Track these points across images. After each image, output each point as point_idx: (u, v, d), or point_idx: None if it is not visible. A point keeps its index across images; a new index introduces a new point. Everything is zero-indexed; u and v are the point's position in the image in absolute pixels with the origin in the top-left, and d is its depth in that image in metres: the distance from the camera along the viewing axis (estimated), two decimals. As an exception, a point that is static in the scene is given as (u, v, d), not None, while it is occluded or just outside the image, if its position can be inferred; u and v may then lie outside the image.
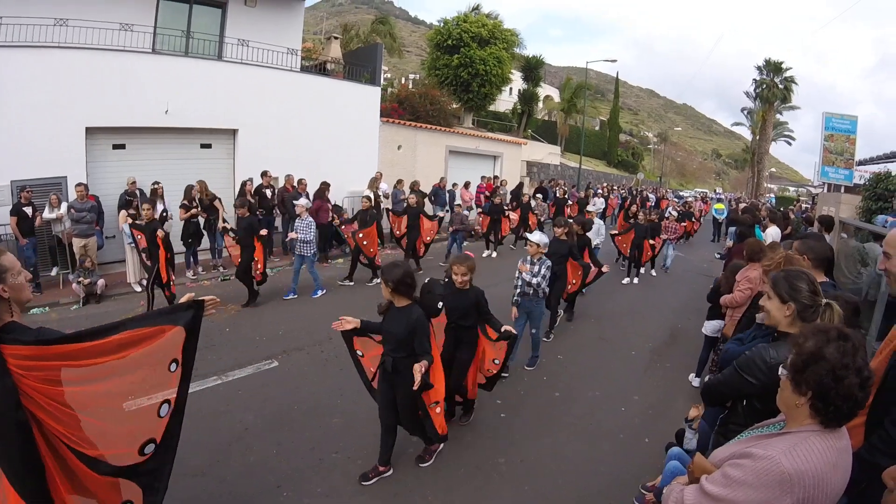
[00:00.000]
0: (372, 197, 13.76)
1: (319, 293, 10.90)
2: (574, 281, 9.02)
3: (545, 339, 8.46)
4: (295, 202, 11.52)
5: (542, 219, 18.57)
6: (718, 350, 6.75)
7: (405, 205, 13.93)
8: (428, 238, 13.42)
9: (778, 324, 2.97)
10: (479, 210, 18.16)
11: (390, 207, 15.19)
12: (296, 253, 10.91)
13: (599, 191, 27.32)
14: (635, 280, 13.61)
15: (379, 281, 11.47)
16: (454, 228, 14.82)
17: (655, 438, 5.72)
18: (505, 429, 5.92)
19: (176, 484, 4.40)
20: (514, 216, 17.03)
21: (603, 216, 22.84)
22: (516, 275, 7.18)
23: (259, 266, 10.18)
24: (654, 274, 14.60)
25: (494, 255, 16.05)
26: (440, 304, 4.84)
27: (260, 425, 5.71)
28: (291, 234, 10.92)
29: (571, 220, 9.64)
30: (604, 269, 9.09)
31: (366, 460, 4.83)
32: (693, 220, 22.55)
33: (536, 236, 7.14)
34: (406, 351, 4.45)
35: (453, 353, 5.48)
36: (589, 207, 12.88)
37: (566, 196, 22.00)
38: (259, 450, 5.23)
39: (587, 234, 10.28)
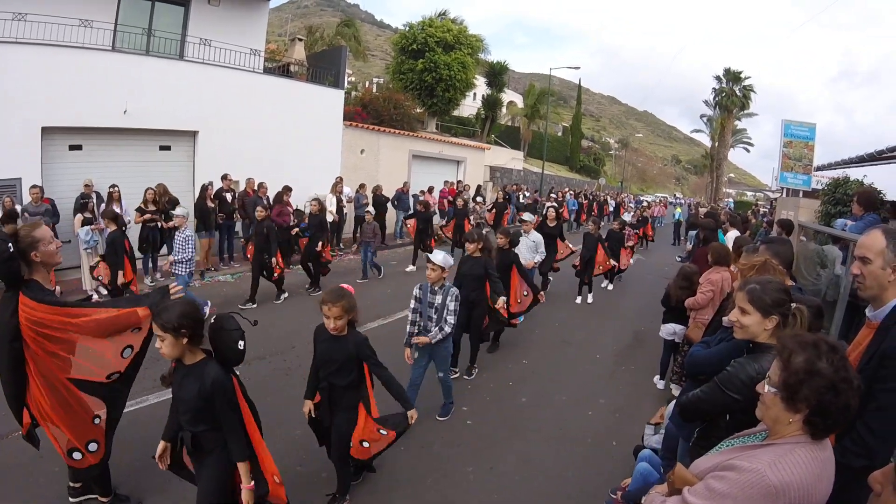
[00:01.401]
0: (324, 201, 13.65)
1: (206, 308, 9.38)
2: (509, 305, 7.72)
3: (467, 377, 7.37)
4: (173, 213, 10.29)
5: (481, 223, 17.52)
6: (682, 353, 6.82)
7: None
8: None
9: (755, 336, 2.93)
10: (445, 219, 18.24)
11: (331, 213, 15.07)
12: (173, 272, 9.37)
13: (554, 196, 26.86)
14: (589, 299, 12.18)
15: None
16: (364, 239, 13.59)
17: (623, 441, 5.76)
18: (472, 436, 5.86)
19: (171, 484, 4.30)
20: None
21: (578, 225, 23.10)
22: (412, 304, 5.90)
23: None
24: (609, 287, 13.62)
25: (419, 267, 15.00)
26: (240, 343, 3.39)
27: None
28: (170, 258, 9.69)
29: (497, 232, 8.51)
30: (540, 297, 8.30)
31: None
32: (649, 224, 22.29)
33: (439, 256, 5.64)
34: (207, 423, 3.35)
35: (330, 420, 4.35)
36: (525, 217, 10.61)
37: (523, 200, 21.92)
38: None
39: (515, 248, 8.80)
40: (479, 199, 20.01)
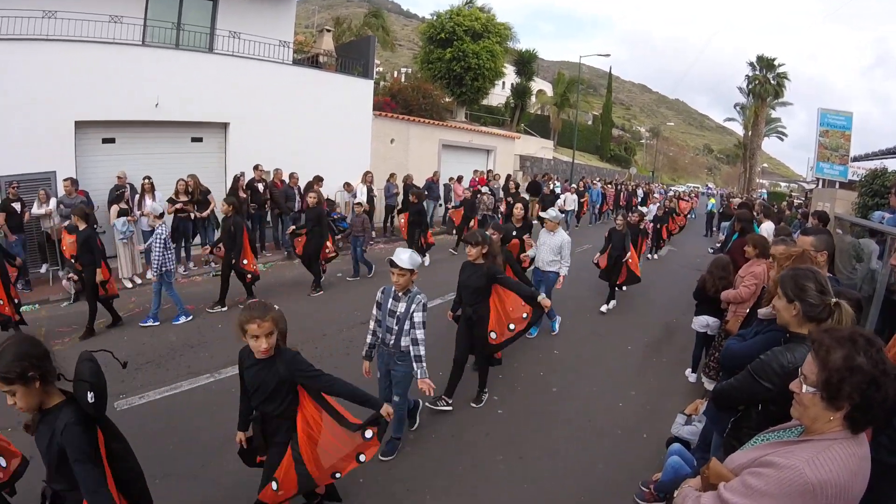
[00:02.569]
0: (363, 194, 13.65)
1: (182, 319, 8.81)
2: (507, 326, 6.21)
3: (474, 405, 6.30)
4: (149, 211, 9.67)
5: (489, 216, 17.02)
6: (717, 346, 6.70)
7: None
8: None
9: (788, 324, 2.93)
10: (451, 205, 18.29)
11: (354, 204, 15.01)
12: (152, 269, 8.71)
13: (574, 185, 25.56)
14: (606, 307, 10.58)
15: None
16: (353, 233, 12.38)
17: (653, 434, 5.71)
18: (503, 425, 5.86)
19: (168, 486, 4.32)
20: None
21: (576, 218, 22.17)
22: (373, 311, 5.04)
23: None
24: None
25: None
26: (89, 395, 2.67)
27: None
28: (139, 248, 9.94)
29: (497, 232, 7.46)
30: (543, 303, 6.02)
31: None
32: (675, 217, 20.52)
33: (404, 257, 4.70)
34: (67, 482, 2.72)
35: (265, 452, 3.88)
36: (545, 214, 8.85)
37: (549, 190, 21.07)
38: None
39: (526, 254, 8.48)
40: (485, 189, 18.87)
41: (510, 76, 42.55)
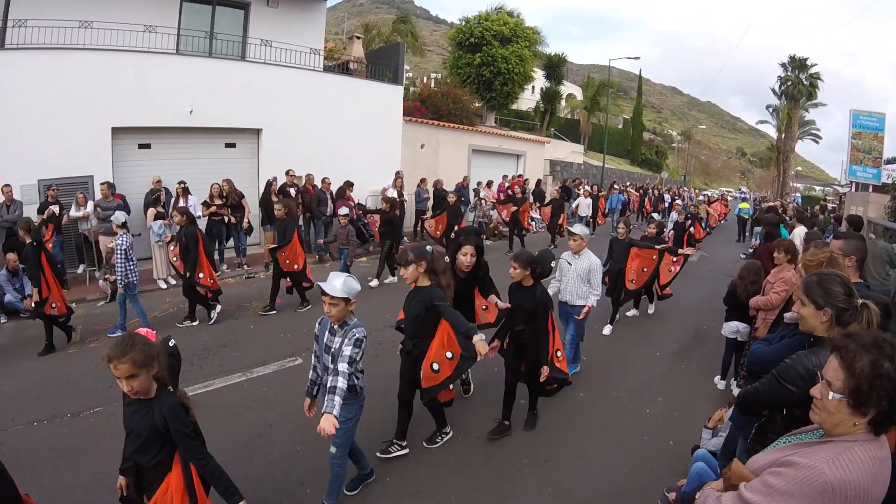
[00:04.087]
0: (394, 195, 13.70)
1: (120, 332, 8.16)
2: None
3: (398, 453, 5.19)
4: (112, 218, 8.98)
5: (485, 223, 16.30)
6: (745, 353, 6.64)
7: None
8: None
9: (814, 330, 2.92)
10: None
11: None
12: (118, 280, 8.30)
13: (587, 188, 23.21)
14: (606, 330, 9.45)
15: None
16: (339, 245, 11.57)
17: (679, 441, 5.68)
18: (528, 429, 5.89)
19: None
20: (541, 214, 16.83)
21: (592, 226, 20.49)
22: (314, 345, 4.36)
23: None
24: (650, 311, 10.78)
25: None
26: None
27: (283, 422, 5.73)
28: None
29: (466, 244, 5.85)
30: (479, 345, 4.40)
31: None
32: (700, 224, 17.50)
33: (337, 283, 3.90)
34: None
35: None
36: (574, 229, 7.22)
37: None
38: (282, 447, 5.26)
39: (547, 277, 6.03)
40: (482, 193, 18.49)
41: (539, 80, 42.40)
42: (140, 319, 8.41)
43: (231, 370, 7.03)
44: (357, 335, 3.94)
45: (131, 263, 8.25)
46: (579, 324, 7.11)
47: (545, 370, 5.26)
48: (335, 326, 4.04)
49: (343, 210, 11.75)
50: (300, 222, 14.10)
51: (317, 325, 4.28)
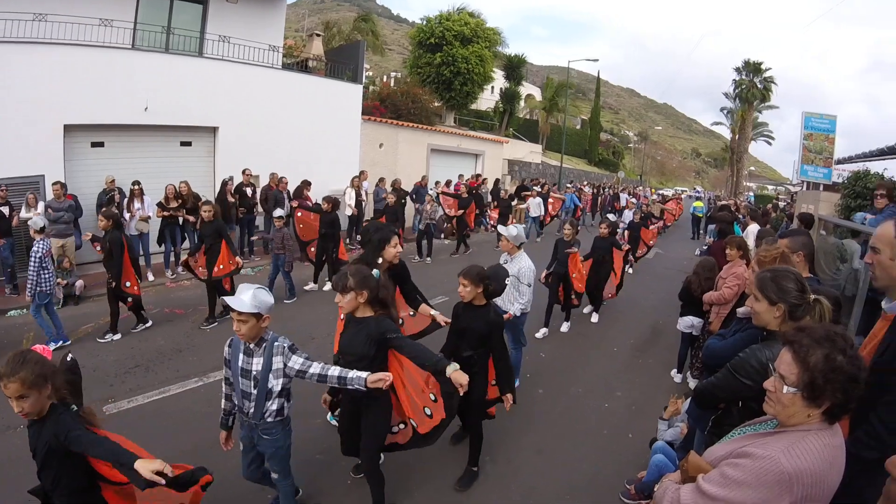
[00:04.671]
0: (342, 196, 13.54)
1: (54, 345, 7.48)
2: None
3: None
4: (30, 223, 8.18)
5: (432, 224, 15.17)
6: (702, 346, 6.82)
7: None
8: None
9: (767, 324, 2.97)
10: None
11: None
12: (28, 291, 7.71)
13: (538, 188, 21.96)
14: (594, 317, 10.13)
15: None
16: (274, 251, 10.56)
17: (639, 434, 5.80)
18: (489, 428, 5.86)
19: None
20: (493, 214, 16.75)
21: (540, 225, 20.65)
22: (224, 371, 3.83)
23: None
24: (593, 320, 10.25)
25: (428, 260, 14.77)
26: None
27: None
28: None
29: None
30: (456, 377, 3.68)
31: (349, 462, 4.77)
32: (653, 222, 17.40)
33: (246, 296, 3.44)
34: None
35: None
36: (504, 230, 6.60)
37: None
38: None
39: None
40: (431, 193, 16.85)
41: (499, 81, 42.68)
42: (45, 332, 7.71)
43: (188, 375, 6.90)
44: (285, 343, 3.60)
45: (46, 272, 7.62)
46: (515, 329, 6.53)
47: (508, 398, 4.64)
48: (250, 346, 3.59)
49: (278, 212, 10.97)
50: (257, 222, 14.01)
51: (226, 348, 3.74)
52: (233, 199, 13.01)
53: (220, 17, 15.25)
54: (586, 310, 10.41)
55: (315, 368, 3.56)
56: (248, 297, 3.41)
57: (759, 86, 50.25)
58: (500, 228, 6.79)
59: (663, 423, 4.87)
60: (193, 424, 5.65)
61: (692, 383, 6.83)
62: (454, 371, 3.66)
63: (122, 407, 5.98)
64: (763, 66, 50.14)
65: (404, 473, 4.93)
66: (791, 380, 1.97)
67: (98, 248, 8.50)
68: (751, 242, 8.06)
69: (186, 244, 12.45)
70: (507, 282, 5.57)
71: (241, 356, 3.60)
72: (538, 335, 8.87)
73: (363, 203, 16.18)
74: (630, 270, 9.82)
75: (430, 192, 16.81)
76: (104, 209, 8.78)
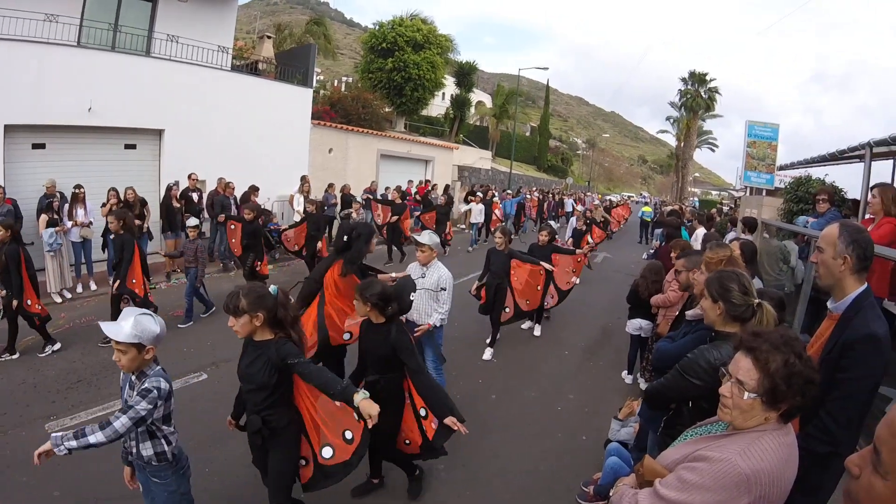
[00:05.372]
0: (303, 201, 13.40)
1: None
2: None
3: None
4: None
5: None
6: (651, 348, 6.96)
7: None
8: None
9: (713, 323, 3.09)
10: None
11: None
12: None
13: (479, 194, 21.55)
14: (536, 330, 9.65)
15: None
16: (186, 263, 9.57)
17: (593, 435, 5.87)
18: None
19: None
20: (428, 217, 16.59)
21: (486, 232, 20.06)
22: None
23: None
24: (536, 334, 9.70)
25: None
26: None
27: (189, 443, 5.47)
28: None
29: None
30: (364, 405, 3.35)
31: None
32: (599, 227, 17.00)
33: (127, 323, 3.04)
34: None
35: None
36: (420, 238, 6.16)
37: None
38: (197, 469, 5.02)
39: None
40: (359, 199, 16.32)
41: (450, 87, 42.79)
42: None
43: None
44: (149, 384, 3.06)
45: None
46: (434, 346, 6.10)
47: (453, 422, 4.11)
48: (132, 378, 3.16)
49: (192, 221, 9.97)
50: (204, 228, 13.73)
51: (121, 374, 3.31)
52: (178, 205, 12.76)
53: (170, 15, 14.90)
54: (525, 325, 9.84)
55: (116, 424, 2.89)
56: (128, 325, 3.02)
57: (703, 96, 51.87)
58: (415, 237, 6.14)
59: (617, 423, 4.95)
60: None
61: (643, 384, 6.96)
62: (362, 400, 3.32)
63: (64, 424, 5.74)
64: (708, 77, 51.88)
65: (355, 482, 4.79)
66: (751, 385, 2.00)
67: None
68: (698, 246, 8.27)
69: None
70: (420, 293, 5.70)
71: (126, 388, 3.23)
72: (486, 357, 8.31)
73: (326, 209, 15.94)
74: (576, 281, 9.66)
75: (358, 199, 16.40)
76: (2, 219, 7.90)
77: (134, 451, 3.23)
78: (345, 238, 5.72)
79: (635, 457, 4.13)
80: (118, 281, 7.88)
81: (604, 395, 7.18)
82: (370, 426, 3.34)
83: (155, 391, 3.05)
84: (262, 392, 3.51)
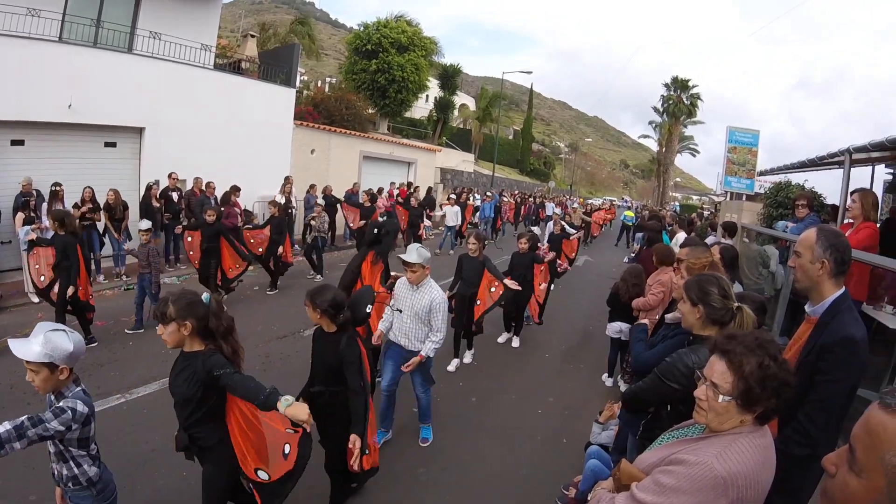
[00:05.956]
0: (282, 202, 13.32)
1: None
2: None
3: None
4: None
5: (321, 238, 13.63)
6: (630, 352, 7.02)
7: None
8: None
9: (692, 327, 3.10)
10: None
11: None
12: None
13: (454, 196, 20.79)
14: (515, 342, 9.27)
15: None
16: (139, 270, 8.98)
17: (573, 438, 5.90)
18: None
19: None
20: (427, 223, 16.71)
21: (458, 235, 19.54)
22: None
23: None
24: (514, 345, 9.32)
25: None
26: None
27: (168, 447, 5.41)
28: None
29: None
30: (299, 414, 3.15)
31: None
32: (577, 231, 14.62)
33: (37, 340, 2.81)
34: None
35: None
36: (407, 256, 5.27)
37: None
38: (167, 473, 4.90)
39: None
40: (320, 201, 15.76)
41: (434, 90, 42.86)
42: None
43: (109, 391, 6.53)
44: (63, 404, 2.84)
45: None
46: (423, 368, 5.52)
47: (354, 440, 3.81)
48: (51, 397, 2.97)
49: (144, 224, 9.16)
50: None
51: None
52: (158, 204, 12.66)
53: (153, 12, 14.75)
54: (501, 339, 9.46)
55: (29, 433, 2.62)
56: (37, 343, 2.76)
57: (685, 102, 52.28)
58: (402, 256, 5.24)
59: (598, 427, 4.96)
60: (115, 444, 5.42)
61: (624, 387, 7.01)
62: (287, 407, 3.10)
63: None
64: (690, 84, 52.26)
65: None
66: (725, 388, 2.00)
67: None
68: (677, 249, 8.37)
69: (110, 250, 11.97)
70: (409, 315, 5.24)
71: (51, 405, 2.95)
72: (450, 368, 7.89)
73: (293, 210, 15.87)
74: (551, 287, 9.58)
75: (318, 201, 15.73)
76: None
77: (55, 470, 3.06)
78: (375, 232, 6.40)
79: (615, 459, 4.16)
80: (69, 286, 7.68)
81: (584, 397, 7.22)
82: (307, 430, 3.20)
83: (69, 412, 2.81)
84: (187, 407, 3.32)
